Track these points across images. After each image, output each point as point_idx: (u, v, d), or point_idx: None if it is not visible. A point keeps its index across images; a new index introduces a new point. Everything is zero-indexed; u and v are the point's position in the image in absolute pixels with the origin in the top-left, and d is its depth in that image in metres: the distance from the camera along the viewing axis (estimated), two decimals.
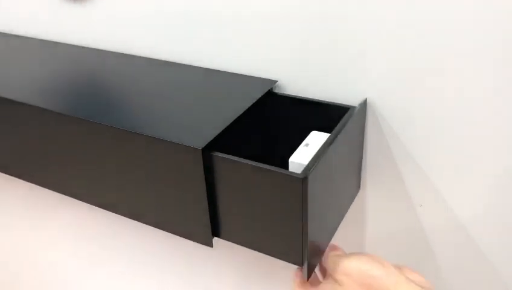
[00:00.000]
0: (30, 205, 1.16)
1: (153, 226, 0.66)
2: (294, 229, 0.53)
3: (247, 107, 0.62)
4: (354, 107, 0.63)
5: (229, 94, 0.67)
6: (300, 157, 0.57)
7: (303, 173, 0.50)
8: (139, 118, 0.63)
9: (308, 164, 0.52)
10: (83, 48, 0.85)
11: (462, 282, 0.72)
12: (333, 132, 0.57)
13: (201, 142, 0.55)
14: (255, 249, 0.60)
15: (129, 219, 0.69)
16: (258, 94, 0.65)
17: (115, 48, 0.83)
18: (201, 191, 0.57)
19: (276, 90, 0.70)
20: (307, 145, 0.59)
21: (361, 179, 0.71)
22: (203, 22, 0.71)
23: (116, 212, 0.70)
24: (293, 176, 0.50)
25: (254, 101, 0.63)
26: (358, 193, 0.72)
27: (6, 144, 0.77)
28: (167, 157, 0.58)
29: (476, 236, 0.67)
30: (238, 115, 0.60)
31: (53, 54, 0.85)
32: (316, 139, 0.60)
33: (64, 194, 0.74)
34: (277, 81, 0.69)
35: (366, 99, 0.64)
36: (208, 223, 0.60)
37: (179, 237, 0.64)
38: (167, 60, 0.78)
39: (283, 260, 0.58)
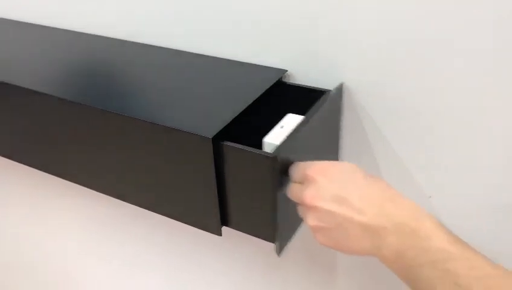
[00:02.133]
0: (39, 192, 1.17)
1: (162, 215, 0.67)
2: (267, 206, 0.55)
3: (257, 97, 0.62)
4: (329, 91, 0.64)
5: (239, 83, 0.67)
6: (274, 138, 0.58)
7: (274, 152, 0.52)
8: (149, 106, 0.63)
9: (280, 144, 0.54)
10: (92, 35, 0.85)
11: None
12: (307, 114, 0.59)
13: (211, 132, 0.55)
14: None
15: (137, 208, 0.69)
16: (267, 84, 0.65)
17: (124, 36, 0.83)
18: (211, 180, 0.57)
19: (285, 80, 0.70)
20: (282, 127, 0.60)
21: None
22: (213, 11, 0.71)
23: (124, 201, 0.70)
24: (263, 155, 0.52)
25: (264, 91, 0.63)
26: None
27: (16, 132, 0.77)
28: (177, 146, 0.58)
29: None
30: (248, 104, 0.60)
31: (61, 42, 0.85)
32: (290, 122, 0.61)
33: (73, 182, 0.75)
34: (286, 70, 0.68)
35: (342, 84, 0.66)
36: (217, 212, 0.60)
37: (186, 227, 0.65)
38: (176, 48, 0.78)
39: (259, 237, 0.60)
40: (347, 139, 0.70)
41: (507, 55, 0.55)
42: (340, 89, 0.65)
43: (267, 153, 0.53)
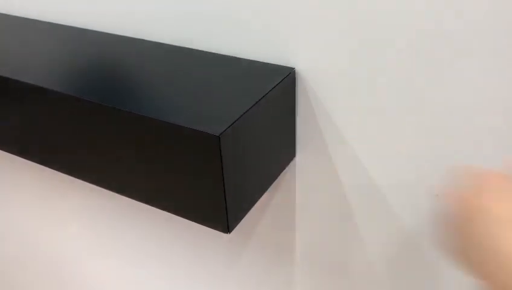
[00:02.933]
0: (45, 187, 1.17)
1: (169, 212, 0.67)
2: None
3: (264, 94, 0.62)
4: (278, 77, 0.65)
5: (247, 81, 0.67)
6: None
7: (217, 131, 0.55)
8: (156, 103, 0.63)
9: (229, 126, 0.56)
10: (99, 32, 0.85)
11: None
12: (257, 100, 0.61)
13: (218, 129, 0.55)
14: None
15: (141, 205, 0.69)
16: (274, 81, 0.65)
17: (131, 34, 0.83)
18: (218, 177, 0.57)
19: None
20: None
21: (296, 146, 0.74)
22: (221, 9, 0.71)
23: (131, 198, 0.70)
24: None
25: (271, 88, 0.63)
26: (293, 160, 0.76)
27: (22, 128, 0.77)
28: (184, 143, 0.58)
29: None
30: (255, 101, 0.61)
31: (68, 39, 0.85)
32: None
33: (80, 179, 0.75)
34: (294, 68, 0.68)
35: (294, 69, 0.67)
36: (224, 209, 0.60)
37: (189, 225, 0.65)
38: (185, 46, 0.78)
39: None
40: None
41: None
42: (293, 75, 0.68)
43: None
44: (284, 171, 0.75)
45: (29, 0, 0.92)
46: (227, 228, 0.62)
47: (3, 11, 0.97)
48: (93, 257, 1.24)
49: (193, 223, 0.65)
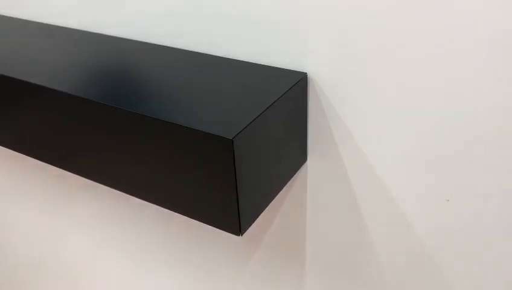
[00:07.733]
0: (57, 189, 1.19)
1: (182, 214, 0.67)
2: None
3: (276, 99, 0.63)
4: (290, 82, 0.66)
5: (259, 85, 0.68)
6: None
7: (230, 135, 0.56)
8: (169, 107, 0.64)
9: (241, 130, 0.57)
10: (109, 36, 0.86)
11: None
12: (270, 104, 0.62)
13: (231, 132, 0.56)
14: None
15: (153, 207, 0.70)
16: (287, 86, 0.66)
17: (141, 38, 0.84)
18: (231, 180, 0.58)
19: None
20: None
21: (308, 150, 0.75)
22: (234, 15, 0.72)
23: (144, 199, 0.71)
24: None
25: (283, 93, 0.64)
26: (305, 164, 0.76)
27: (36, 131, 0.79)
28: (197, 146, 0.59)
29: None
30: (268, 106, 0.61)
31: (77, 42, 0.86)
32: None
33: (91, 179, 0.76)
34: (306, 73, 0.69)
35: (307, 74, 0.68)
36: (236, 212, 0.60)
37: (199, 227, 0.66)
38: (198, 51, 0.79)
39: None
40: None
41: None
42: (305, 79, 0.68)
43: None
44: (296, 175, 0.76)
45: (40, 4, 0.94)
46: (239, 231, 0.62)
47: (22, 16, 0.99)
48: (102, 259, 1.25)
49: (203, 225, 0.66)
